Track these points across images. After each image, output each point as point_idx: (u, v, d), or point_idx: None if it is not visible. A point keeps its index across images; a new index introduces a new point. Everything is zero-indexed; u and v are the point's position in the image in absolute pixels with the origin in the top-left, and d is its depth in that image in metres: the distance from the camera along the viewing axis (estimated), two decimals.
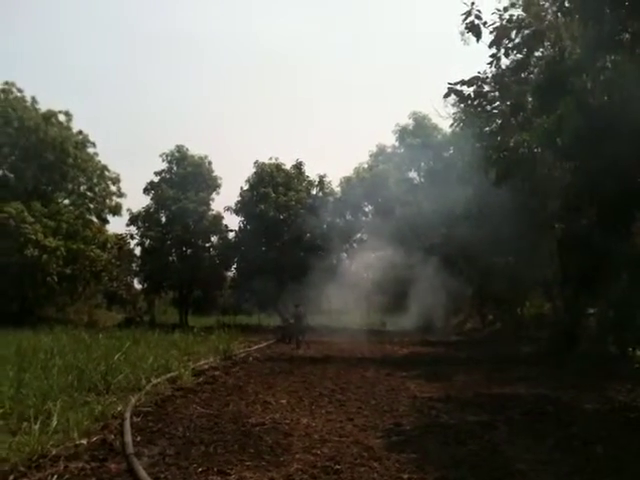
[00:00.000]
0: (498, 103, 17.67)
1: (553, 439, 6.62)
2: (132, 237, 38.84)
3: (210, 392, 10.06)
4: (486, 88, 17.21)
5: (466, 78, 16.59)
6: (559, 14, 13.76)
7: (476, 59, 20.72)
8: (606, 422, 7.67)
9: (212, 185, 39.89)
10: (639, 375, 12.11)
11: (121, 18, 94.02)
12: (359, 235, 38.61)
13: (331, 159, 75.02)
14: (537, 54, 16.37)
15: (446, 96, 17.14)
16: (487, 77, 16.89)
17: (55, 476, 5.10)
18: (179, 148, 39.47)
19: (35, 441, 5.91)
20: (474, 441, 6.55)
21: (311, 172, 40.35)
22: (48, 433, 6.30)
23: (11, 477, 5.12)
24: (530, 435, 6.87)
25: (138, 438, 6.48)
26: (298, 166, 39.07)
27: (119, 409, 7.80)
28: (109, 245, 35.84)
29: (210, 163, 40.01)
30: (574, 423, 7.49)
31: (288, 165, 38.98)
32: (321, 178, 38.73)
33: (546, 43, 15.78)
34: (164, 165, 39.39)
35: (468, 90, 16.83)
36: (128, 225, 38.55)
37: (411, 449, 6.18)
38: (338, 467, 5.46)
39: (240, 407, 8.57)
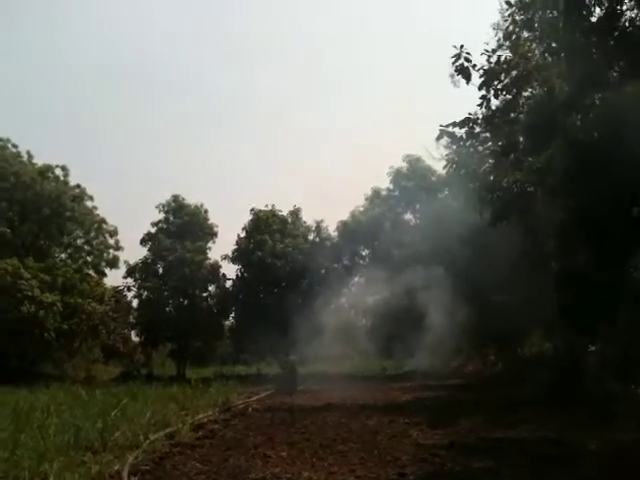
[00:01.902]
0: (490, 144, 17.86)
1: None
2: (129, 289, 38.60)
3: (209, 447, 9.88)
4: (477, 129, 17.38)
5: (457, 119, 16.78)
6: (546, 54, 14.09)
7: (467, 100, 21.02)
8: (612, 463, 7.54)
9: (209, 233, 40.00)
10: None
11: (113, 69, 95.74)
12: (357, 279, 38.47)
13: (328, 203, 75.23)
14: (526, 94, 16.65)
15: (438, 138, 17.28)
16: (478, 118, 17.07)
17: None
18: (175, 198, 39.63)
19: None
20: None
21: (308, 217, 40.62)
22: None
23: None
24: (535, 479, 6.74)
25: None
26: (295, 212, 39.48)
27: (116, 468, 7.65)
28: (106, 298, 35.68)
29: (206, 211, 40.23)
30: (579, 465, 7.36)
31: (285, 211, 39.41)
32: (318, 223, 39.06)
33: (534, 83, 16.08)
34: (161, 215, 39.51)
35: (460, 132, 16.99)
36: (125, 277, 38.43)
37: None
38: None
39: (240, 462, 8.40)
